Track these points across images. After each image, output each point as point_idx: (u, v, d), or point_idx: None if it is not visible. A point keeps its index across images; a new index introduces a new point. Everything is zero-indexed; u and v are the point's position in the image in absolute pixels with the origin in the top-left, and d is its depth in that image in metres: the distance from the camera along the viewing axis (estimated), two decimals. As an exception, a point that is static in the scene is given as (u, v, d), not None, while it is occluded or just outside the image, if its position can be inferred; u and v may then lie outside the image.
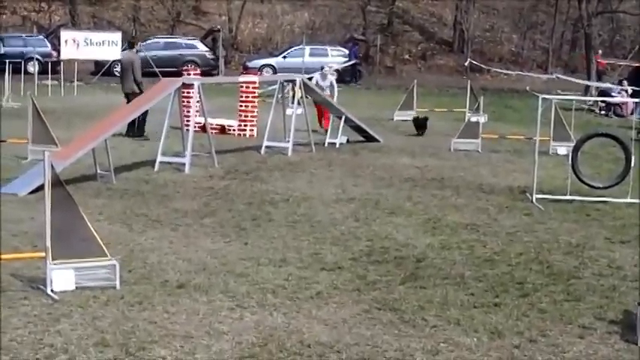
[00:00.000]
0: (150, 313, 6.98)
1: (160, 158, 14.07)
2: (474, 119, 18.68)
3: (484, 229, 10.45)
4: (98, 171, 12.85)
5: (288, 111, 17.78)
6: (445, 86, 39.57)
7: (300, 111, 17.25)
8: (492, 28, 51.25)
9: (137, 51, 20.08)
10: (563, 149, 17.28)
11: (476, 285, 8.07)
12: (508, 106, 30.64)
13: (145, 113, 16.41)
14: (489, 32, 50.58)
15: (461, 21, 49.03)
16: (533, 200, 12.16)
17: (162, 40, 41.68)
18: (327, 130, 18.66)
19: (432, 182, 13.81)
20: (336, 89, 20.80)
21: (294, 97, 18.24)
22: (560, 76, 35.41)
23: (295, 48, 41.92)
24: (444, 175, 14.51)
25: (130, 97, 17.70)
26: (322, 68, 21.36)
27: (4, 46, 37.94)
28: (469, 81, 26.66)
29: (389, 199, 12.17)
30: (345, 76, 40.16)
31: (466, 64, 41.49)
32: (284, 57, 41.65)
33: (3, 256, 7.94)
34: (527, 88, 33.19)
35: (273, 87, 18.24)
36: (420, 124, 20.89)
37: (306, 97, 17.93)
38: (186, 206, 11.22)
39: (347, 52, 41.89)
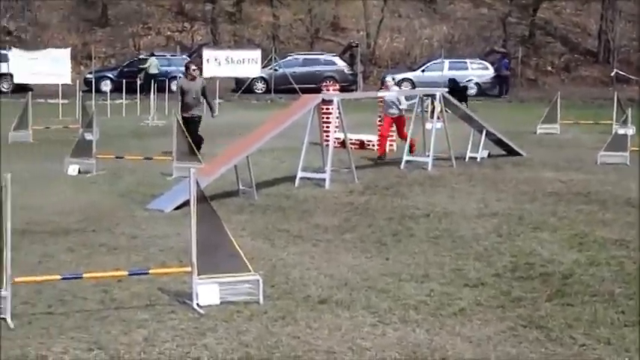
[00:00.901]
0: (293, 328, 7.01)
1: (300, 174, 14.21)
2: (621, 131, 18.07)
3: (634, 245, 10.06)
4: (240, 187, 13.08)
5: (428, 125, 17.67)
6: (590, 98, 38.52)
7: (439, 125, 17.10)
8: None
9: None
10: None
11: (626, 303, 7.76)
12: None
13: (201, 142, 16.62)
14: (636, 41, 48.97)
15: (606, 30, 47.70)
16: (686, 215, 11.65)
17: (301, 57, 42.22)
18: (406, 141, 17.27)
19: (578, 197, 13.42)
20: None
21: (433, 111, 18.10)
22: None
23: (434, 62, 41.72)
24: (591, 190, 14.08)
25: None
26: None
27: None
28: (616, 92, 25.86)
29: (533, 214, 11.89)
30: (490, 89, 39.69)
31: (612, 74, 40.31)
32: (422, 71, 41.51)
33: (151, 271, 8.15)
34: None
35: (412, 101, 18.14)
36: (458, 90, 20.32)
37: (446, 110, 17.76)
38: (326, 222, 11.27)
39: (487, 64, 41.37)
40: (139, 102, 29.14)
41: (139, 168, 15.70)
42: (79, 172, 15.07)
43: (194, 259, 7.50)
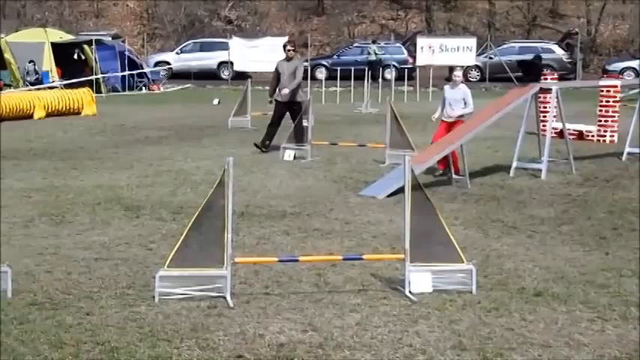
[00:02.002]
0: (507, 320, 6.87)
1: (515, 164, 13.90)
2: None
3: None
4: (453, 176, 12.96)
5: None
6: None
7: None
8: None
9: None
10: None
11: None
12: None
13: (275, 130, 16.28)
14: None
15: None
16: None
17: (517, 45, 41.31)
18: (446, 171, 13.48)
19: None
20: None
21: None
22: None
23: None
24: None
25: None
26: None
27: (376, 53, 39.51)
28: None
29: None
30: None
31: None
32: (648, 59, 39.60)
33: (365, 257, 8.22)
34: None
35: (636, 90, 17.32)
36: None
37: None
38: (542, 213, 10.97)
39: None
40: (352, 90, 29.50)
41: (352, 154, 15.88)
42: (295, 157, 15.43)
43: (407, 246, 7.49)
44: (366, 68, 29.42)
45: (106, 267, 8.32)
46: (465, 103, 13.75)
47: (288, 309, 7.12)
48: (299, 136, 15.69)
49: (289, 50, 16.23)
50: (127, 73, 34.91)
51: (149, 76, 37.06)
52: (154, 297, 7.21)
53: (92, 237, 9.60)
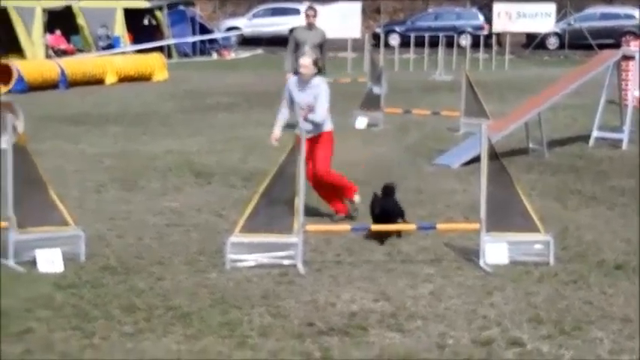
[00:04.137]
0: (585, 293, 6.67)
1: (595, 133, 13.51)
2: None
3: None
4: (530, 145, 12.66)
5: None
6: None
7: None
8: None
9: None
10: None
11: None
12: None
13: None
14: None
15: None
16: None
17: (598, 11, 40.25)
18: None
19: None
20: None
21: None
22: None
23: None
24: None
25: None
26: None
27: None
28: None
29: None
30: None
31: None
32: None
33: (439, 226, 8.05)
34: None
35: None
36: None
37: None
38: (624, 184, 10.63)
39: None
40: (426, 57, 29.14)
41: (425, 123, 15.65)
42: (367, 125, 15.26)
43: (483, 216, 7.31)
44: (441, 35, 28.95)
45: (177, 233, 8.31)
46: None
47: (359, 278, 7.01)
48: None
49: (310, 16, 14.44)
50: (198, 38, 35.03)
51: (220, 41, 37.13)
52: (224, 263, 7.16)
53: (163, 203, 9.61)
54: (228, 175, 11.01)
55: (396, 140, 13.99)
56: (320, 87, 8.69)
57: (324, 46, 14.15)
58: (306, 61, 8.66)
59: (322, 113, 8.69)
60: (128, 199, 9.77)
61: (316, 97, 8.64)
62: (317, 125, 8.69)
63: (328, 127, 8.85)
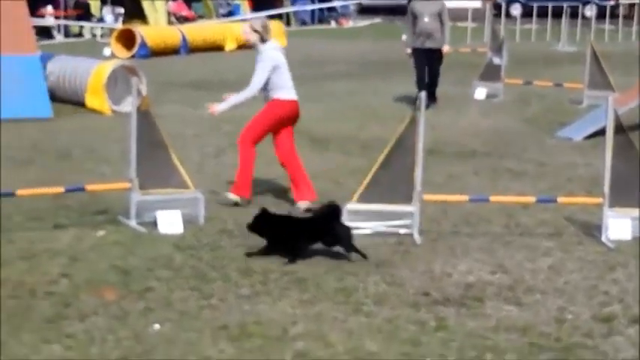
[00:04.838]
0: None
1: None
2: None
3: None
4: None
5: None
6: None
7: None
8: None
9: None
10: None
11: None
12: None
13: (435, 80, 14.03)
14: None
15: None
16: None
17: None
18: None
19: None
20: None
21: None
22: None
23: None
24: None
25: None
26: None
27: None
28: None
29: None
30: None
31: None
32: None
33: (560, 199, 7.87)
34: None
35: None
36: None
37: None
38: None
39: None
40: (549, 27, 28.42)
41: (547, 94, 15.28)
42: (487, 96, 15.01)
43: (607, 190, 7.10)
44: (565, 5, 28.18)
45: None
46: None
47: (477, 249, 6.92)
48: (430, 88, 13.35)
49: None
50: (316, 6, 35.04)
51: (339, 10, 37.06)
52: (340, 230, 7.16)
53: (281, 169, 9.65)
54: (345, 143, 11.02)
55: (517, 112, 13.71)
56: (261, 55, 8.17)
57: (442, 16, 13.79)
58: (244, 28, 8.24)
59: (251, 85, 8.17)
60: (246, 164, 9.86)
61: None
62: (267, 91, 8.22)
63: (275, 95, 8.24)
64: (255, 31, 8.09)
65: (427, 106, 7.44)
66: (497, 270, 6.45)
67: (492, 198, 7.81)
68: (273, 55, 8.16)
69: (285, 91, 8.24)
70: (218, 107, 8.32)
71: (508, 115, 13.39)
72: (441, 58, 14.01)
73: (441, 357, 5.01)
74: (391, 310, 5.64)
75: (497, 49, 15.61)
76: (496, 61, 15.36)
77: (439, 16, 13.72)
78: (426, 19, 13.67)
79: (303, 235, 6.66)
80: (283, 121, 8.18)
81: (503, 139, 11.41)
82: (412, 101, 12.60)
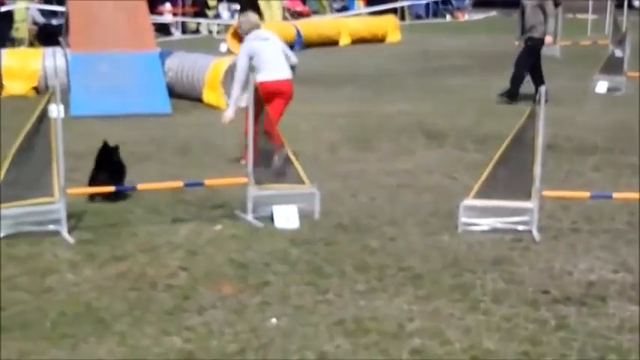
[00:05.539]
0: None
1: None
2: None
3: None
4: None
5: None
6: None
7: None
8: None
9: None
10: None
11: None
12: None
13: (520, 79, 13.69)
14: None
15: None
16: None
17: None
18: None
19: None
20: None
21: None
22: None
23: None
24: None
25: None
26: None
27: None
28: None
29: None
30: None
31: None
32: None
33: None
34: None
35: None
36: None
37: None
38: None
39: None
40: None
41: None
42: (608, 89, 14.60)
43: None
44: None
45: (409, 194, 8.30)
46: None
47: (598, 247, 6.73)
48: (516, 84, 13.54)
49: None
50: (431, 0, 34.78)
51: (454, 3, 36.70)
52: (456, 226, 7.08)
53: (396, 164, 9.63)
54: (461, 138, 10.88)
55: (638, 106, 13.28)
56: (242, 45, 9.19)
57: (545, 8, 13.48)
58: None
59: (235, 74, 9.15)
60: (361, 159, 9.87)
61: None
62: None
63: (257, 79, 8.40)
64: (238, 29, 9.51)
65: (546, 101, 7.29)
66: (619, 268, 6.25)
67: (615, 195, 7.58)
68: (248, 44, 9.07)
69: (264, 72, 8.93)
70: (227, 113, 9.17)
71: (631, 109, 12.97)
72: (540, 44, 13.73)
73: (562, 357, 4.88)
74: (509, 308, 5.53)
75: (620, 42, 15.17)
76: (618, 53, 14.93)
77: (540, 7, 13.49)
78: (529, 11, 13.63)
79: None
80: (268, 98, 8.59)
81: (626, 134, 11.06)
82: (528, 96, 12.38)
